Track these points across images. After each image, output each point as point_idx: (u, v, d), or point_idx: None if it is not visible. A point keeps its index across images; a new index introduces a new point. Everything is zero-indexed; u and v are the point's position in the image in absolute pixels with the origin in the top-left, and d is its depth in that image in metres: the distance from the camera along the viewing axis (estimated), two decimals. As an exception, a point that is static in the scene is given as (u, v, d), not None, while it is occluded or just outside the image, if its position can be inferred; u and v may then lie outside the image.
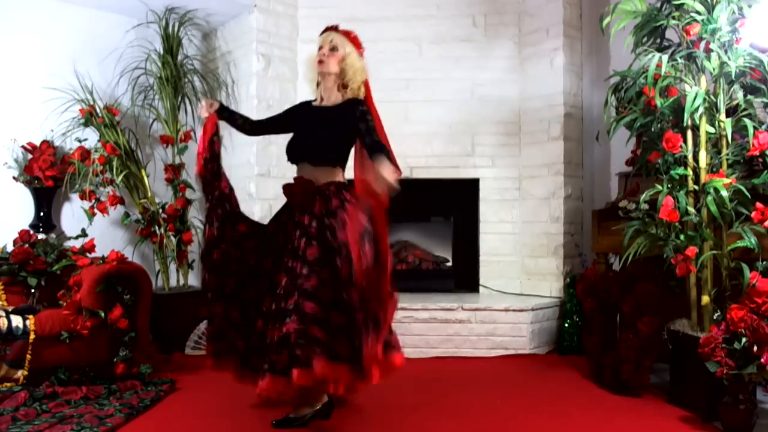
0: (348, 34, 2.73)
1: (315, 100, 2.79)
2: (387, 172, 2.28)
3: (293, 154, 2.69)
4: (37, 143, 3.79)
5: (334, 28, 2.75)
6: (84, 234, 3.57)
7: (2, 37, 3.78)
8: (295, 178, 2.66)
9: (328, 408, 2.57)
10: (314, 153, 2.62)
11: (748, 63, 2.59)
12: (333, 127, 2.61)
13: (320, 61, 2.67)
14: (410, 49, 4.29)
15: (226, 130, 4.38)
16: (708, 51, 2.64)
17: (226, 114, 2.88)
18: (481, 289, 4.32)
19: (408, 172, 4.29)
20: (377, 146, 2.44)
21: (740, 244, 2.54)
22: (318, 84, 2.76)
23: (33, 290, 3.29)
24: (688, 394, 2.68)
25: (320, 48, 2.70)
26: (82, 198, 3.79)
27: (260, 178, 4.12)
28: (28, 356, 2.86)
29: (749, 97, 2.66)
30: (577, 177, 4.18)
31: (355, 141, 2.66)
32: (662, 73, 2.64)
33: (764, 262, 2.50)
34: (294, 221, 2.60)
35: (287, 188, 2.67)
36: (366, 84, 2.72)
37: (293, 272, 2.46)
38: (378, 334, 2.30)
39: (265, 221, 4.25)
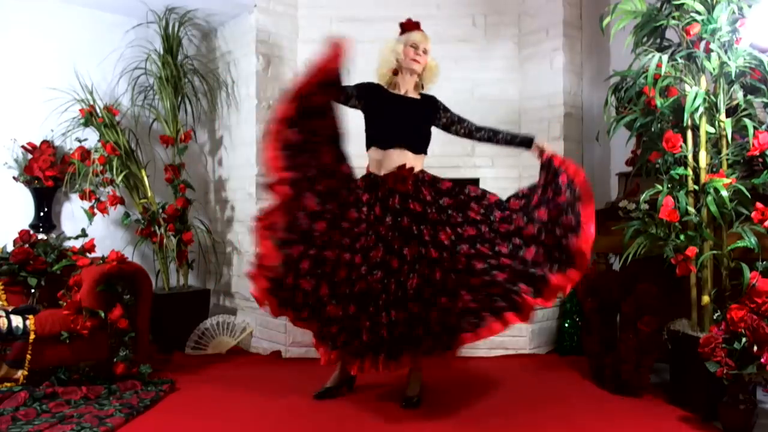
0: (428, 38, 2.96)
1: (387, 87, 2.95)
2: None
3: (391, 138, 2.83)
4: (37, 143, 3.79)
5: (419, 28, 2.96)
6: (84, 234, 3.57)
7: (2, 37, 3.78)
8: (399, 166, 2.77)
9: (351, 380, 2.97)
10: (416, 141, 2.87)
11: (748, 63, 2.59)
12: (426, 118, 2.93)
13: (416, 61, 2.90)
14: (410, 49, 4.29)
15: (227, 131, 4.40)
16: (708, 51, 2.64)
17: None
18: (481, 289, 4.31)
19: (408, 172, 4.29)
20: (489, 129, 2.96)
21: (740, 244, 2.54)
22: (395, 72, 2.93)
23: (33, 290, 3.29)
24: (688, 394, 2.68)
25: (416, 46, 2.90)
26: (82, 198, 3.79)
27: (260, 178, 4.12)
28: (28, 356, 2.86)
29: (749, 97, 2.66)
30: (577, 177, 4.18)
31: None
32: (662, 73, 2.64)
33: (764, 262, 2.50)
34: (396, 209, 2.72)
35: (395, 175, 2.76)
36: None
37: (429, 258, 2.62)
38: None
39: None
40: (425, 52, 2.92)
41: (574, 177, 2.58)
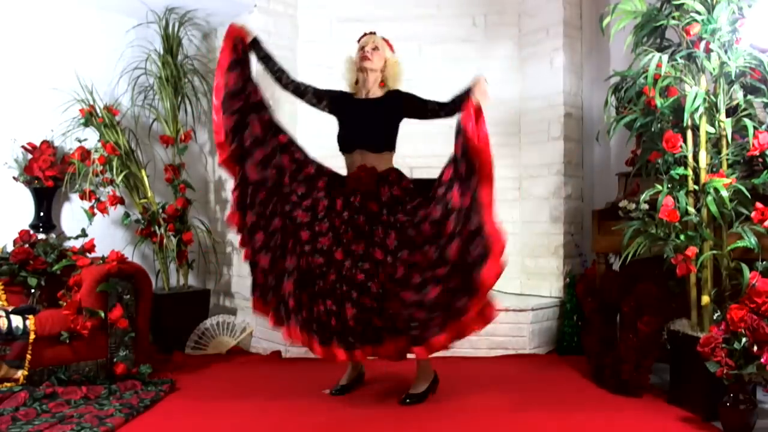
0: (386, 41, 3.00)
1: (354, 94, 3.00)
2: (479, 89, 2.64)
3: (350, 142, 2.91)
4: (37, 143, 3.79)
5: (373, 33, 3.00)
6: (84, 234, 3.57)
7: (2, 37, 3.77)
8: (359, 167, 2.85)
9: (360, 377, 3.09)
10: (373, 141, 2.87)
11: (748, 63, 2.59)
12: (385, 116, 2.90)
13: (365, 57, 2.91)
14: (410, 49, 4.28)
15: (226, 130, 4.39)
16: (708, 51, 2.64)
17: (261, 53, 2.93)
18: (481, 289, 4.31)
19: (408, 172, 4.28)
20: (443, 103, 2.88)
21: (740, 244, 2.54)
22: (357, 82, 2.98)
23: (33, 290, 3.29)
24: (688, 394, 2.68)
25: (362, 47, 2.94)
26: (82, 198, 3.79)
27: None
28: (28, 356, 2.86)
29: (749, 97, 2.66)
30: (577, 177, 4.18)
31: (398, 127, 2.95)
32: (662, 73, 2.64)
33: (764, 262, 2.50)
34: (356, 206, 2.81)
35: (354, 176, 2.85)
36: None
37: (375, 259, 2.73)
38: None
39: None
40: (375, 49, 2.92)
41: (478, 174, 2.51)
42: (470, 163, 2.52)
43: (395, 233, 2.73)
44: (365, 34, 3.01)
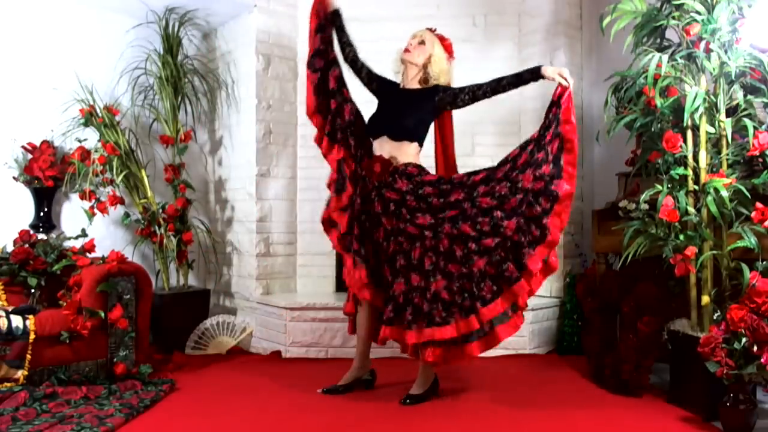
0: (442, 39, 2.99)
1: (400, 84, 3.04)
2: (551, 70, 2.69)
3: (374, 127, 2.94)
4: (37, 143, 3.79)
5: (430, 29, 3.00)
6: (84, 234, 3.57)
7: (2, 37, 3.78)
8: (374, 156, 2.89)
9: (372, 377, 3.05)
10: (392, 127, 2.88)
11: (748, 63, 2.59)
12: (411, 106, 2.90)
13: (407, 50, 2.94)
14: (410, 49, 4.28)
15: (227, 131, 4.40)
16: (708, 51, 2.64)
17: (338, 23, 3.05)
18: (481, 289, 4.31)
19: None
20: (491, 80, 2.84)
21: (740, 244, 2.54)
22: (402, 75, 3.01)
23: (33, 290, 3.29)
24: (688, 394, 2.68)
25: (412, 38, 2.96)
26: (82, 198, 3.79)
27: (260, 178, 4.12)
28: (28, 356, 2.86)
29: (749, 97, 2.66)
30: (577, 177, 4.17)
31: (432, 121, 2.96)
32: (662, 73, 2.64)
33: (764, 262, 2.50)
34: (381, 196, 2.83)
35: (368, 164, 2.88)
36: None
37: (409, 234, 2.73)
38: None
39: (265, 222, 4.27)
40: (421, 43, 2.93)
41: (564, 133, 2.60)
42: (562, 144, 2.60)
43: (430, 215, 2.72)
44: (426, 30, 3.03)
